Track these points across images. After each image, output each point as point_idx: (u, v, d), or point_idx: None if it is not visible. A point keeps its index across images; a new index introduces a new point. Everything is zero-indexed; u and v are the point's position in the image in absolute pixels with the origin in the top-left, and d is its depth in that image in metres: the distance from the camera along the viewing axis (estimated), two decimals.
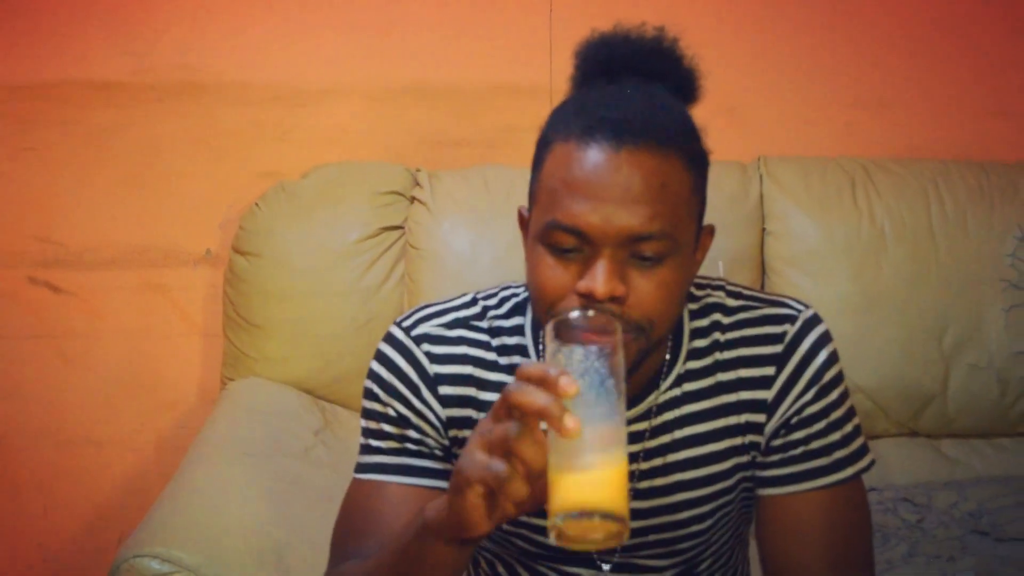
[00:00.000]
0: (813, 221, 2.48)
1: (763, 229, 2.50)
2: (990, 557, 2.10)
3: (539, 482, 1.08)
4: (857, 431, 1.42)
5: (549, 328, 1.12)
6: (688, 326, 1.43)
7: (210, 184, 2.63)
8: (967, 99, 2.71)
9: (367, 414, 1.44)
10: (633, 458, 1.40)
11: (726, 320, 1.42)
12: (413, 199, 2.49)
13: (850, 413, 1.42)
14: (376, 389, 1.42)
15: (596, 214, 1.24)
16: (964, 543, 2.14)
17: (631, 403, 1.39)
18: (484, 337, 1.43)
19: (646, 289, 1.25)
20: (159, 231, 2.64)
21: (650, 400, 1.41)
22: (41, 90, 2.57)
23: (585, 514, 1.06)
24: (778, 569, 1.40)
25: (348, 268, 2.45)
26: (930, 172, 2.54)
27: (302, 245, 2.45)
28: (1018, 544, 2.14)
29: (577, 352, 1.10)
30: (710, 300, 1.44)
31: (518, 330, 1.44)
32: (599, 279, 1.23)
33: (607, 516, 1.06)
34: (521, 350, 1.43)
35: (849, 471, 1.40)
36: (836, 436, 1.40)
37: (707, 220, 1.36)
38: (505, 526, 1.45)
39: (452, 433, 1.42)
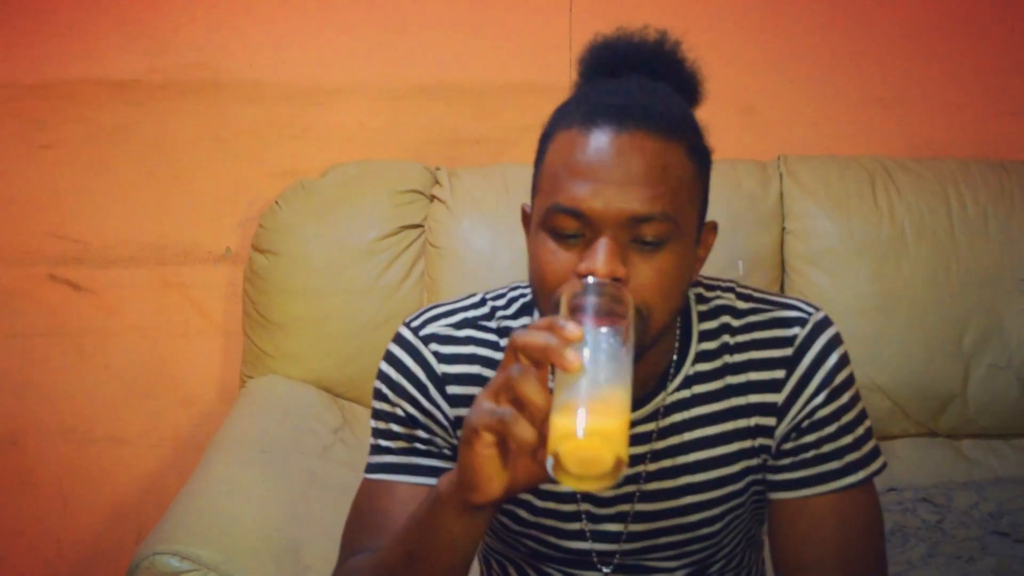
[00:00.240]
0: (833, 220, 2.47)
1: (783, 228, 2.50)
2: (1010, 558, 2.09)
3: (545, 428, 1.08)
4: (868, 434, 1.41)
5: (565, 295, 1.15)
6: (697, 328, 1.42)
7: (227, 182, 2.64)
8: (987, 97, 2.70)
9: (376, 414, 1.44)
10: (640, 460, 1.40)
11: (736, 323, 1.42)
12: (433, 197, 2.49)
13: (862, 416, 1.41)
14: (385, 389, 1.43)
15: (598, 197, 1.23)
16: (984, 544, 2.14)
17: (638, 404, 1.38)
18: (492, 337, 1.43)
19: (646, 274, 1.25)
20: (177, 229, 2.65)
21: (657, 401, 1.41)
22: (58, 88, 2.58)
23: (584, 436, 1.05)
24: (790, 572, 1.40)
25: (368, 266, 2.45)
26: (950, 171, 2.53)
27: (322, 243, 2.46)
28: None
29: (589, 311, 1.13)
30: (720, 302, 1.43)
31: None
32: (600, 259, 1.22)
33: (605, 440, 1.06)
34: None
35: (861, 474, 1.39)
36: (848, 439, 1.39)
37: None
38: (514, 526, 1.46)
39: (460, 433, 1.42)
